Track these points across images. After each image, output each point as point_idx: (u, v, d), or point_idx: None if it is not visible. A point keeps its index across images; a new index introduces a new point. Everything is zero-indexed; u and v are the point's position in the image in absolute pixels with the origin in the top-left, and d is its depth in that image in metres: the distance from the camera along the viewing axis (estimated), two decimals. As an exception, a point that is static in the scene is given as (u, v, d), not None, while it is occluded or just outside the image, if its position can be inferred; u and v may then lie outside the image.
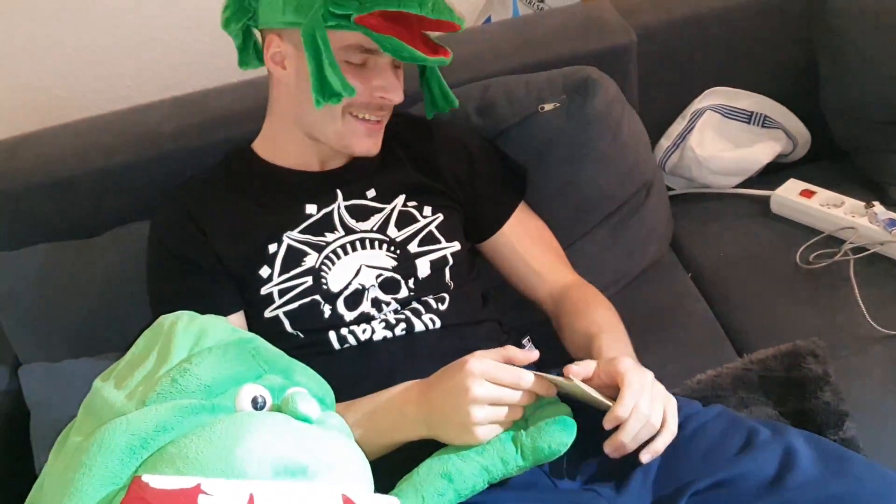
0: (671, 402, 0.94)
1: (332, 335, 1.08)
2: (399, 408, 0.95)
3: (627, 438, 0.89)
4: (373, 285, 1.10)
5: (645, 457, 0.90)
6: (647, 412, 0.89)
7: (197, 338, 0.82)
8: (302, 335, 1.09)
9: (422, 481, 0.89)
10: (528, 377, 0.89)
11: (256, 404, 0.77)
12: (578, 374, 0.92)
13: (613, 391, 0.91)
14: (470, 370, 0.88)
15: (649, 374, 0.93)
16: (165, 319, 0.86)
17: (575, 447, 0.95)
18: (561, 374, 0.92)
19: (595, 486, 0.94)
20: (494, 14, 1.67)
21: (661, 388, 0.94)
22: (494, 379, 0.88)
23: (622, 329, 1.13)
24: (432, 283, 1.13)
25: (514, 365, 0.91)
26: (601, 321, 1.12)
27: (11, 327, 1.27)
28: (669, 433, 0.92)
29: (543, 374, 0.91)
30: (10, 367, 1.30)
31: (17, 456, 1.20)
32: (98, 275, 1.28)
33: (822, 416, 1.12)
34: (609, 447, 0.90)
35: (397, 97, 1.09)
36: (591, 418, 1.00)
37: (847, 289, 1.27)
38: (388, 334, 1.08)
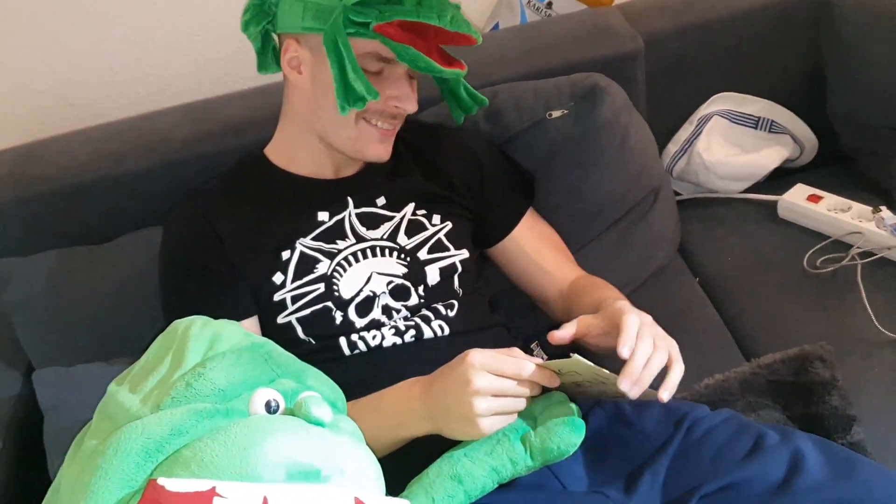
0: (674, 343, 0.96)
1: (342, 341, 1.09)
2: (403, 404, 0.96)
3: (639, 364, 0.89)
4: (383, 292, 1.11)
5: (664, 394, 0.91)
6: (652, 340, 0.91)
7: (211, 342, 0.83)
8: (313, 341, 1.10)
9: (431, 483, 0.90)
10: (530, 367, 0.90)
11: (270, 408, 0.78)
12: (563, 338, 0.95)
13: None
14: (471, 362, 0.88)
15: (649, 316, 0.96)
16: (179, 324, 0.86)
17: (585, 450, 0.96)
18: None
19: (604, 489, 0.95)
20: (502, 21, 1.68)
21: (661, 330, 0.96)
22: (496, 370, 0.89)
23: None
24: (441, 291, 1.13)
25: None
26: (609, 295, 1.13)
27: (25, 332, 1.28)
28: (679, 368, 0.93)
29: (545, 363, 0.92)
30: (24, 372, 1.31)
31: (32, 460, 1.21)
32: (110, 280, 1.29)
33: (830, 421, 1.12)
34: (626, 381, 0.89)
35: (411, 107, 1.10)
36: (599, 422, 1.02)
37: (854, 293, 1.28)
38: (398, 341, 1.09)
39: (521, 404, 0.91)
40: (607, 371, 0.90)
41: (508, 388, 0.89)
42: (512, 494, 0.92)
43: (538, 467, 0.93)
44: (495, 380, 0.88)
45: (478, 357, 0.89)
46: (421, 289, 1.12)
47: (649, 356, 0.90)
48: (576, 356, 0.89)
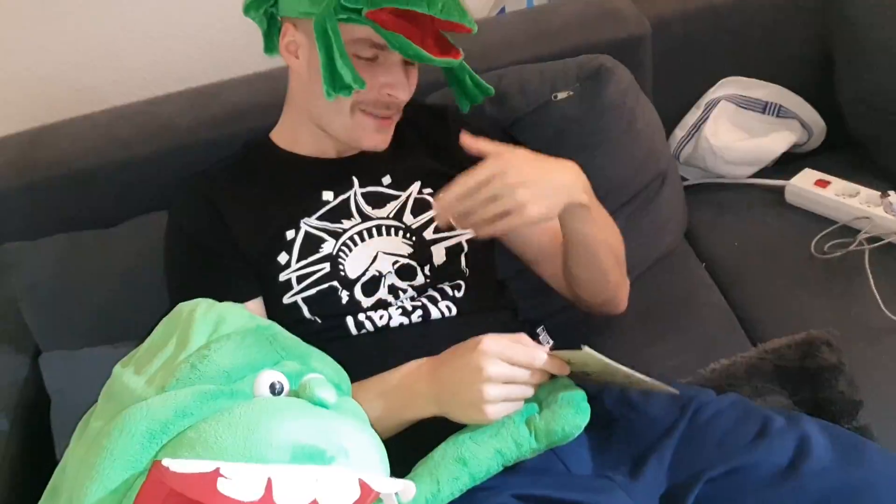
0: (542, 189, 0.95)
1: (349, 321, 1.09)
2: (409, 386, 0.96)
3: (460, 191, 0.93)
4: (389, 272, 1.11)
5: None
6: (504, 182, 0.92)
7: (215, 325, 0.83)
8: (320, 320, 1.09)
9: (437, 465, 0.90)
10: (541, 356, 0.90)
11: (274, 390, 0.77)
12: (470, 146, 0.97)
13: None
14: (484, 349, 0.89)
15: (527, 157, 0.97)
16: (184, 307, 0.86)
17: (590, 434, 0.96)
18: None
19: (609, 473, 0.95)
20: (509, 4, 1.67)
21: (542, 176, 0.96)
22: (508, 358, 0.89)
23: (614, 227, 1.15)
24: (448, 270, 1.13)
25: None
26: None
27: (32, 316, 1.28)
28: (517, 219, 0.94)
29: (556, 352, 0.92)
30: (31, 355, 1.32)
31: (39, 442, 1.22)
32: (117, 265, 1.29)
33: (837, 406, 1.12)
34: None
35: (404, 95, 1.09)
36: (605, 406, 1.01)
37: (862, 279, 1.27)
38: (405, 321, 1.09)
39: (530, 392, 0.91)
40: (617, 364, 0.90)
41: (519, 377, 0.89)
42: (517, 478, 0.92)
43: (543, 450, 0.93)
44: (507, 368, 0.89)
45: (492, 345, 0.89)
46: (427, 269, 1.12)
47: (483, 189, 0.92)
48: (586, 349, 0.89)
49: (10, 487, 1.18)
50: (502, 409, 0.89)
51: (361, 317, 1.09)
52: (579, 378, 0.96)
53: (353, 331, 1.09)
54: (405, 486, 0.76)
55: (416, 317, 1.09)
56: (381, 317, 1.09)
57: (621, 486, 0.93)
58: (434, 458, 0.92)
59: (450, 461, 0.90)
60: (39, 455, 1.21)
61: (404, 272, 1.11)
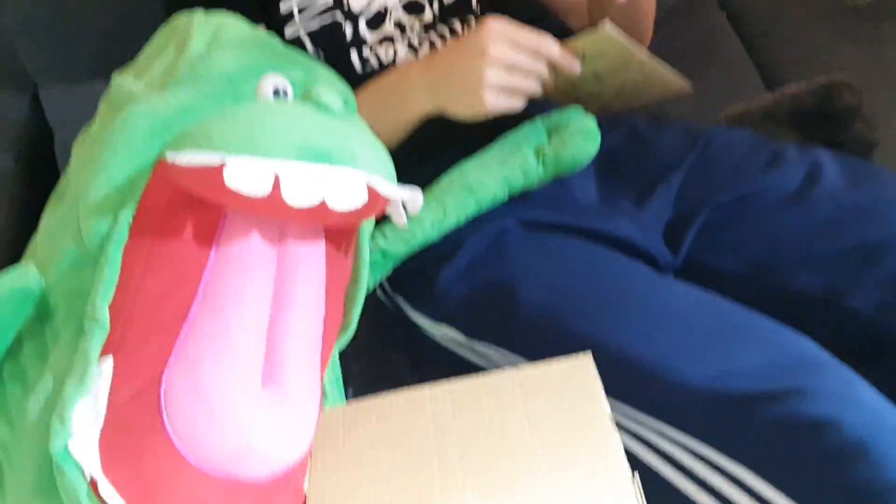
0: None
1: (354, 56, 1.05)
2: (405, 78, 0.92)
3: None
4: (396, 6, 1.05)
5: None
6: None
7: (215, 33, 0.79)
8: (323, 57, 1.06)
9: (443, 192, 0.89)
10: (553, 44, 0.85)
11: (278, 95, 0.75)
12: None
13: None
14: (491, 29, 0.83)
15: None
16: (181, 16, 0.82)
17: (598, 168, 0.95)
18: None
19: (615, 201, 0.94)
20: None
21: None
22: (516, 42, 0.84)
23: None
24: (458, 8, 1.08)
25: None
26: None
27: (28, 53, 1.26)
28: None
29: (569, 41, 0.87)
30: (31, 95, 1.30)
31: (45, 178, 1.22)
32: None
33: (852, 148, 1.10)
34: None
35: None
36: (614, 140, 0.99)
37: (893, 23, 1.22)
38: (412, 57, 1.05)
39: (533, 87, 0.87)
40: (636, 47, 0.85)
41: (525, 64, 0.84)
42: (523, 204, 0.92)
43: (550, 178, 0.92)
44: (512, 52, 0.84)
45: (499, 24, 0.84)
46: (436, 5, 1.07)
47: None
48: (608, 23, 0.82)
49: (18, 222, 1.19)
50: (502, 100, 0.85)
51: (366, 52, 1.05)
52: (589, 91, 0.93)
53: (358, 67, 1.05)
54: (413, 195, 0.74)
55: (422, 53, 1.05)
56: (386, 52, 1.05)
57: (627, 213, 0.93)
58: (440, 184, 0.91)
59: (456, 188, 0.90)
60: (45, 190, 1.21)
61: (411, 7, 1.06)
